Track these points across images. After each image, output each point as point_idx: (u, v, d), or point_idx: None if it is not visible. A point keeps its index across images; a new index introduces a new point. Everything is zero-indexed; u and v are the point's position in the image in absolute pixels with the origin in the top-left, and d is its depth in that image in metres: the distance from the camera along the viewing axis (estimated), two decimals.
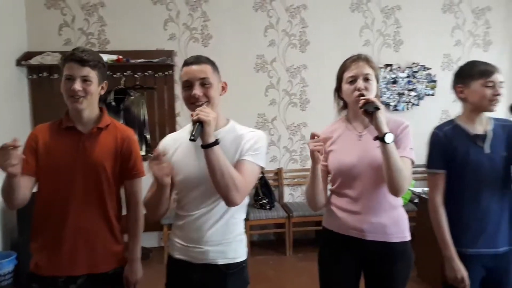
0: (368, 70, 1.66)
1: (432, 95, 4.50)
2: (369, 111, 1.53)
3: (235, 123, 1.60)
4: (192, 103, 1.48)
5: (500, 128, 1.80)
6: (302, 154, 4.40)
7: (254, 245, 4.08)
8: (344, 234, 1.71)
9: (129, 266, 1.71)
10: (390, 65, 4.42)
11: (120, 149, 1.67)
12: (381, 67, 4.39)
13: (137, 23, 4.09)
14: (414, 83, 4.48)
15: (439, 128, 1.85)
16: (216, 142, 1.38)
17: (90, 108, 1.64)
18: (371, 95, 1.64)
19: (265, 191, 4.09)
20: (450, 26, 4.50)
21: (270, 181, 4.25)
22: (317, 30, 4.28)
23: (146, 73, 4.01)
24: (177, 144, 1.58)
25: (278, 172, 4.37)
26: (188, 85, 1.49)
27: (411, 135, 1.68)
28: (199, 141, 1.38)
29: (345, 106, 1.79)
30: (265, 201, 4.02)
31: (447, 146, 1.80)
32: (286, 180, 4.40)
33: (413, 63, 4.45)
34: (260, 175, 4.23)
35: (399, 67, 4.44)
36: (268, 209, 3.99)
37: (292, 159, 4.43)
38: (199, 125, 1.36)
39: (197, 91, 1.47)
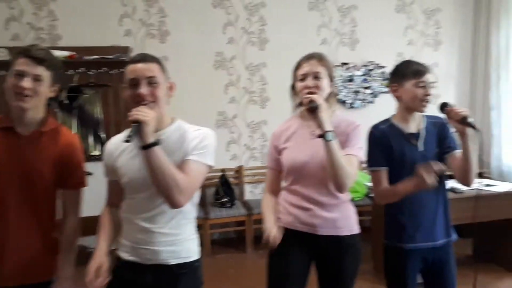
0: (319, 69, 1.69)
1: (387, 92, 4.64)
2: (311, 109, 1.57)
3: (182, 122, 1.57)
4: (137, 102, 1.42)
5: (432, 125, 1.87)
6: (263, 151, 4.42)
7: (214, 244, 4.07)
8: (296, 230, 1.75)
9: (58, 284, 1.55)
10: (347, 63, 4.53)
11: (61, 156, 1.56)
12: (338, 66, 4.49)
13: (90, 18, 3.95)
14: (369, 81, 4.61)
15: (375, 127, 1.90)
16: (155, 143, 1.34)
17: (35, 110, 1.52)
18: (323, 93, 1.68)
19: (225, 189, 4.08)
20: (403, 26, 4.67)
21: (231, 179, 4.24)
22: (276, 28, 4.31)
23: (101, 70, 3.87)
24: (122, 146, 1.52)
25: (238, 170, 4.38)
26: (134, 83, 1.44)
27: (362, 135, 1.74)
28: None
29: (300, 103, 1.80)
30: (225, 199, 4.01)
31: (384, 144, 1.84)
32: (247, 178, 4.41)
33: (368, 62, 4.58)
34: (220, 174, 4.22)
35: (355, 66, 4.55)
36: (228, 207, 3.99)
37: (253, 157, 4.45)
38: (137, 126, 1.31)
39: (144, 90, 1.42)
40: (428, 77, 1.79)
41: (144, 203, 1.47)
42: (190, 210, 1.53)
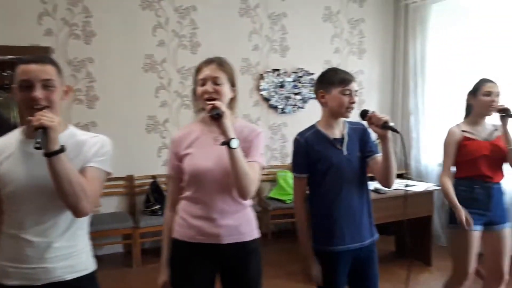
0: (218, 74, 1.64)
1: (315, 98, 4.80)
2: (214, 116, 1.53)
3: (75, 128, 1.50)
4: (29, 106, 1.32)
5: (353, 131, 1.96)
6: None
7: (146, 253, 3.92)
8: (199, 243, 1.68)
9: None
10: (278, 69, 4.62)
11: None
12: (269, 72, 4.57)
13: (5, 15, 3.64)
14: (299, 87, 4.74)
15: (300, 134, 1.95)
16: (62, 149, 1.27)
17: None
18: (223, 99, 1.65)
19: (156, 196, 3.95)
20: (329, 35, 4.87)
21: (163, 186, 4.12)
22: (207, 32, 4.28)
23: None
24: (5, 153, 1.40)
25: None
26: (26, 85, 1.33)
27: (263, 141, 1.77)
28: (29, 148, 1.26)
29: (202, 108, 1.72)
30: (156, 207, 3.89)
31: (310, 151, 1.89)
32: None
33: (298, 68, 4.71)
34: (151, 180, 4.08)
35: (285, 72, 4.66)
36: (160, 215, 3.86)
37: None
38: (42, 131, 1.23)
39: (38, 93, 1.32)
40: (354, 86, 1.86)
41: (33, 215, 1.36)
42: (84, 220, 1.45)
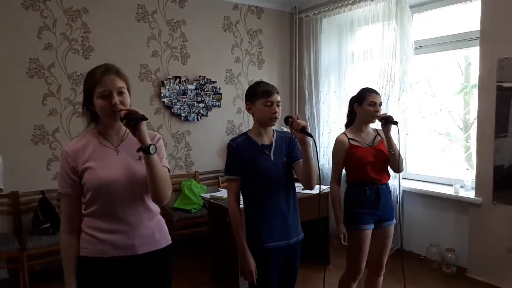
0: (121, 84, 1.59)
1: (219, 106, 4.85)
2: (132, 123, 1.48)
3: None
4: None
5: (280, 139, 2.14)
6: None
7: (36, 278, 3.53)
8: (110, 257, 1.60)
9: None
10: (179, 77, 4.55)
11: None
12: (170, 79, 4.48)
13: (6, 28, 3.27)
14: (202, 95, 4.73)
15: (233, 140, 2.10)
16: None
17: None
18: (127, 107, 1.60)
19: (46, 214, 3.59)
20: (230, 44, 4.95)
21: (54, 202, 3.76)
22: (100, 35, 4.05)
23: None
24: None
25: None
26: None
27: (163, 145, 1.76)
28: None
29: (94, 119, 1.66)
30: (47, 225, 3.53)
31: (240, 155, 2.05)
32: None
33: (200, 76, 4.69)
34: (40, 196, 3.71)
35: (187, 79, 4.61)
36: (51, 234, 3.52)
37: None
38: None
39: None
40: (275, 97, 2.03)
41: None
42: None
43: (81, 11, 3.96)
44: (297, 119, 1.96)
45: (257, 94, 2.03)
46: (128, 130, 1.62)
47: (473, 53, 3.83)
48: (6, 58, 3.63)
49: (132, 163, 1.62)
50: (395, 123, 2.50)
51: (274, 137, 2.12)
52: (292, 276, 2.17)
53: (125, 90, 1.60)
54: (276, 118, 2.03)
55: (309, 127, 1.98)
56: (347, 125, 2.73)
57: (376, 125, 2.69)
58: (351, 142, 2.58)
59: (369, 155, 2.55)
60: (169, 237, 1.78)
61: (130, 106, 1.61)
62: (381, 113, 2.56)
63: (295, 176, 2.15)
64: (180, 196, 4.40)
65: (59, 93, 3.90)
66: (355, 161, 2.55)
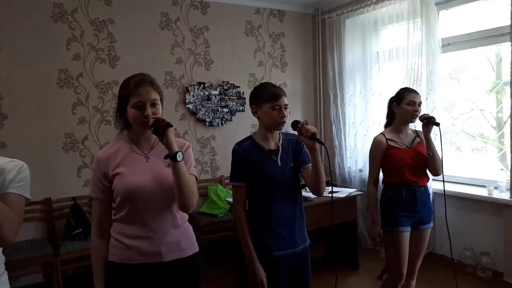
0: (154, 96, 1.61)
1: (242, 111, 4.86)
2: (160, 130, 1.51)
3: None
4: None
5: (287, 142, 2.03)
6: None
7: (69, 282, 3.63)
8: (138, 264, 1.62)
9: None
10: (203, 83, 4.59)
11: None
12: (194, 85, 4.53)
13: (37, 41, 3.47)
14: (226, 100, 4.75)
15: (238, 144, 2.00)
16: None
17: None
18: None
19: (78, 219, 3.69)
20: (252, 48, 4.96)
21: (85, 208, 3.86)
22: (126, 44, 4.14)
23: None
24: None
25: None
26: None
27: (192, 154, 1.77)
28: None
29: (126, 125, 1.69)
30: (78, 230, 3.62)
31: (246, 160, 1.95)
32: None
33: (224, 82, 4.72)
34: (72, 202, 3.81)
35: (211, 85, 4.65)
36: (83, 239, 3.61)
37: None
38: None
39: None
40: (283, 100, 1.91)
41: None
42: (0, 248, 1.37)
43: (107, 21, 4.06)
44: (306, 124, 1.85)
45: (264, 97, 1.92)
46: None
47: (504, 48, 3.70)
48: (38, 69, 3.75)
49: (161, 170, 1.64)
50: (437, 124, 2.41)
51: (281, 141, 2.01)
52: (304, 284, 2.06)
53: (158, 102, 1.63)
54: (284, 122, 1.93)
55: (318, 133, 1.88)
56: (386, 126, 2.67)
57: (414, 126, 2.63)
58: (389, 142, 2.52)
59: (407, 157, 2.48)
60: (196, 245, 1.77)
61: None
62: (421, 113, 2.49)
63: (302, 182, 2.06)
64: (206, 201, 4.43)
65: (88, 101, 4.01)
66: (393, 162, 2.49)
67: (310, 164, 1.96)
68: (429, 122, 2.42)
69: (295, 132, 1.92)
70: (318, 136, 1.83)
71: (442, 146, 2.46)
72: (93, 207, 1.70)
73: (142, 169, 1.63)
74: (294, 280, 2.03)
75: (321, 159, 1.94)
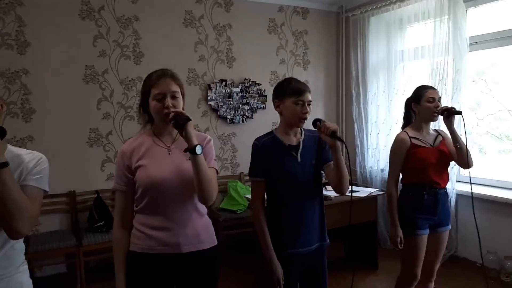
0: (175, 88, 1.66)
1: (264, 108, 4.86)
2: (180, 123, 1.55)
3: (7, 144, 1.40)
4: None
5: (310, 139, 2.00)
6: None
7: (91, 273, 3.72)
8: (158, 253, 1.66)
9: None
10: (225, 80, 4.62)
11: None
12: (217, 82, 4.56)
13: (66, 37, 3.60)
14: (247, 98, 4.76)
15: (258, 139, 1.99)
16: (5, 164, 1.21)
17: None
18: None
19: (100, 212, 3.77)
20: (275, 46, 4.95)
21: (108, 201, 3.95)
22: (150, 41, 4.20)
23: None
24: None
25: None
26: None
27: (213, 147, 1.80)
28: None
29: (150, 120, 1.75)
30: (101, 223, 3.71)
31: (265, 155, 1.93)
32: None
33: (245, 79, 4.73)
34: (95, 195, 3.90)
35: (233, 83, 4.67)
36: (105, 232, 3.69)
37: None
38: None
39: None
40: (307, 96, 1.89)
41: None
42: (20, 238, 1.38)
43: (132, 19, 4.13)
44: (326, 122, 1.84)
45: (288, 91, 1.90)
46: None
47: None
48: (65, 65, 3.85)
49: (182, 162, 1.67)
50: (459, 112, 2.33)
51: (302, 137, 1.98)
52: (320, 284, 2.04)
53: (179, 95, 1.67)
54: (306, 118, 1.90)
55: (339, 131, 1.83)
56: (403, 127, 2.59)
57: (434, 125, 2.55)
58: (413, 141, 2.43)
59: (431, 156, 2.40)
60: (215, 238, 1.79)
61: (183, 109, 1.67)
62: (442, 107, 2.41)
63: (324, 180, 2.03)
64: (226, 197, 4.47)
65: (112, 97, 4.09)
66: (417, 162, 2.40)
67: (333, 162, 1.93)
68: (449, 113, 2.35)
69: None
70: (338, 134, 1.80)
71: (466, 136, 2.38)
72: (116, 199, 1.76)
73: (164, 162, 1.67)
74: (309, 279, 2.01)
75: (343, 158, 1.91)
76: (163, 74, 1.66)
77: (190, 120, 1.55)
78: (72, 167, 3.90)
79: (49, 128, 3.83)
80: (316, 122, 1.87)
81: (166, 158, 1.68)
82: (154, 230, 1.66)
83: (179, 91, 1.67)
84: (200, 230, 1.72)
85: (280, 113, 1.96)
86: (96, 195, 3.92)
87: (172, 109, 1.60)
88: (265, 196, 1.99)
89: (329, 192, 3.33)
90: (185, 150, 1.56)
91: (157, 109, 1.63)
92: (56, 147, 3.81)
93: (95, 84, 4.01)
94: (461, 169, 3.52)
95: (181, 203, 1.68)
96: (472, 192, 2.53)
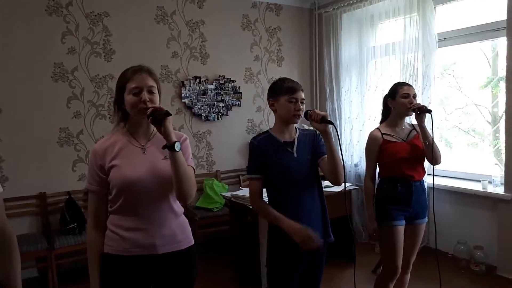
0: (152, 83, 1.63)
1: (239, 105, 4.85)
2: (159, 119, 1.52)
3: None
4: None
5: (303, 136, 2.08)
6: None
7: (63, 276, 3.62)
8: (133, 256, 1.62)
9: None
10: (199, 77, 4.57)
11: None
12: (190, 79, 4.51)
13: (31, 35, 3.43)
14: (222, 95, 4.74)
15: (254, 138, 2.07)
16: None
17: None
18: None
19: (73, 214, 3.68)
20: (249, 43, 4.94)
21: (80, 202, 3.85)
22: (121, 38, 4.11)
23: None
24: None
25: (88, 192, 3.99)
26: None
27: (189, 146, 1.78)
28: None
29: (124, 117, 1.70)
30: (73, 225, 3.61)
31: (262, 153, 2.00)
32: None
33: (220, 76, 4.70)
34: (67, 197, 3.80)
35: (207, 79, 4.63)
36: (77, 234, 3.60)
37: None
38: None
39: None
40: (300, 94, 1.97)
41: None
42: None
43: (102, 15, 4.03)
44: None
45: (282, 90, 1.98)
46: (155, 130, 1.66)
47: (501, 43, 3.70)
48: (32, 63, 3.72)
49: (157, 162, 1.64)
50: (429, 111, 2.42)
51: (297, 134, 2.07)
52: (317, 280, 2.09)
53: (155, 90, 1.64)
54: (299, 115, 1.97)
55: (329, 116, 1.90)
56: (381, 122, 2.66)
57: (409, 120, 2.62)
58: (385, 137, 2.52)
59: (403, 150, 2.48)
60: (192, 238, 1.77)
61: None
62: (415, 103, 2.49)
63: (321, 174, 2.07)
64: (202, 195, 4.43)
65: (83, 96, 3.99)
66: (388, 156, 2.49)
67: (326, 151, 1.98)
68: (421, 110, 2.43)
69: (312, 128, 1.99)
70: (329, 119, 1.89)
71: (433, 133, 2.49)
72: (89, 200, 1.70)
73: (139, 161, 1.63)
74: (307, 274, 2.06)
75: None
76: (140, 69, 1.64)
77: (170, 114, 1.52)
78: (42, 168, 3.78)
79: (16, 128, 3.69)
80: (307, 112, 1.96)
81: (141, 158, 1.65)
82: (129, 232, 1.62)
83: (155, 86, 1.64)
84: (177, 230, 1.69)
85: (275, 111, 2.04)
86: (67, 196, 3.82)
87: (150, 105, 1.57)
88: (263, 194, 2.05)
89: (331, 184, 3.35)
90: (164, 147, 1.53)
91: (133, 102, 1.59)
92: (25, 148, 3.69)
93: (65, 82, 3.89)
94: None
95: (157, 203, 1.64)
96: (434, 184, 2.60)
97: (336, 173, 1.94)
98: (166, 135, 1.52)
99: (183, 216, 1.77)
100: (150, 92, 1.61)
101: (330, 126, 1.90)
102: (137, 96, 1.59)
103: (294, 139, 2.04)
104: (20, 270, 1.37)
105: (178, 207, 1.72)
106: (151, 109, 1.54)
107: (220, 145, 4.77)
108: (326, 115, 1.88)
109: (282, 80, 2.03)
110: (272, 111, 2.07)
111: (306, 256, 1.99)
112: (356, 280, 2.93)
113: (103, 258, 1.66)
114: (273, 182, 2.01)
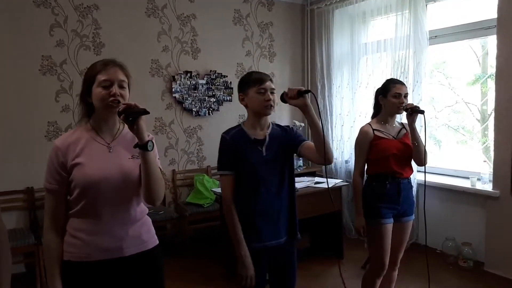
0: (123, 77, 1.53)
1: (230, 100, 4.82)
2: (133, 117, 1.42)
3: None
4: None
5: (276, 131, 2.00)
6: None
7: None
8: (97, 261, 1.52)
9: None
10: (190, 72, 4.54)
11: None
12: (181, 74, 4.47)
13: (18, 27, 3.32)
14: (213, 90, 4.71)
15: (227, 132, 1.97)
16: None
17: None
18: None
19: None
20: (240, 38, 4.91)
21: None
22: (111, 31, 4.05)
23: None
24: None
25: None
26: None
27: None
28: None
29: (89, 113, 1.58)
30: None
31: (234, 148, 1.91)
32: None
33: (211, 71, 4.67)
34: None
35: (198, 74, 4.60)
36: None
37: None
38: None
39: None
40: (268, 84, 1.90)
41: None
42: None
43: (92, 7, 3.97)
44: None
45: (250, 82, 1.91)
46: (121, 127, 1.60)
47: (491, 41, 3.73)
48: (19, 55, 3.66)
49: (124, 161, 1.55)
50: (422, 112, 2.40)
51: (269, 130, 1.97)
52: (290, 279, 2.04)
53: (126, 85, 1.55)
54: (271, 106, 1.89)
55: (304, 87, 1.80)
56: (373, 117, 2.65)
57: (400, 118, 2.62)
58: (376, 133, 2.51)
59: (393, 147, 2.48)
60: (156, 238, 1.70)
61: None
62: (407, 103, 2.48)
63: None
64: (193, 191, 4.41)
65: (71, 89, 3.93)
66: (378, 152, 2.48)
67: (307, 141, 1.94)
68: (413, 111, 2.43)
69: (288, 124, 1.93)
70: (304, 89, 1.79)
71: (426, 135, 2.48)
72: (46, 200, 1.57)
73: (104, 160, 1.53)
74: (278, 274, 2.02)
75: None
76: (111, 62, 1.54)
77: (148, 113, 1.43)
78: (30, 162, 3.72)
79: (3, 122, 3.63)
80: (282, 94, 1.86)
81: (106, 156, 1.54)
82: (92, 235, 1.51)
83: (126, 81, 1.55)
84: (142, 231, 1.62)
85: (246, 106, 1.96)
86: None
87: (121, 100, 1.49)
88: (234, 191, 1.95)
89: (296, 184, 3.35)
90: (135, 146, 1.46)
91: (102, 96, 1.48)
92: (12, 142, 3.63)
93: (53, 75, 3.83)
94: None
95: (122, 205, 1.55)
96: (425, 181, 2.61)
97: (323, 148, 1.79)
98: (138, 134, 1.44)
99: (147, 216, 1.69)
100: (121, 86, 1.52)
101: (309, 96, 1.80)
102: (106, 89, 1.48)
103: (266, 137, 1.95)
104: (11, 266, 1.31)
105: (142, 207, 1.65)
106: (124, 105, 1.43)
107: (211, 141, 4.74)
108: (301, 88, 1.78)
109: (249, 74, 1.99)
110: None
111: (269, 257, 1.96)
112: (345, 276, 2.95)
113: (64, 266, 1.54)
114: (242, 179, 1.93)
